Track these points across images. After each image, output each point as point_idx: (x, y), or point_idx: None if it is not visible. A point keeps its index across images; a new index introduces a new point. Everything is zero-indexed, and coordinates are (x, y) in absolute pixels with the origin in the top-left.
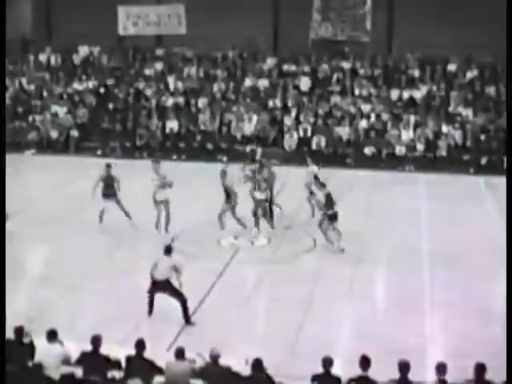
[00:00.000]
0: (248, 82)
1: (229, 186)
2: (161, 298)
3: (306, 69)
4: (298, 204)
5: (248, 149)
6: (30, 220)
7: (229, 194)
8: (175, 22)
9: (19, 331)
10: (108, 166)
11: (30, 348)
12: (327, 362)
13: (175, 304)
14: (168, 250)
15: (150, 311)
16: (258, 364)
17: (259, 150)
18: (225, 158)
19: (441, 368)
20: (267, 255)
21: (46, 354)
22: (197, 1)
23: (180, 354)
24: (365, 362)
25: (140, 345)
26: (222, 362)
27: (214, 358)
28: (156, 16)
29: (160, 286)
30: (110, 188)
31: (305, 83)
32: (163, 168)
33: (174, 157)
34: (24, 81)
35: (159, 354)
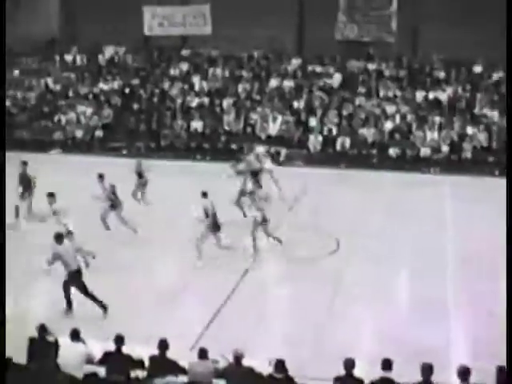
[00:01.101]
0: (273, 83)
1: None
2: (182, 298)
3: (331, 70)
4: (321, 204)
5: (273, 149)
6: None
7: None
8: (200, 23)
9: (42, 329)
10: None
11: (54, 347)
12: (349, 364)
13: (198, 304)
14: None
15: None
16: (280, 365)
17: (283, 151)
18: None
19: (463, 372)
20: (290, 255)
21: (69, 353)
22: (222, 1)
23: (203, 354)
24: (387, 363)
25: (163, 344)
26: (245, 362)
27: (237, 358)
28: (181, 16)
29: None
30: None
31: (336, 80)
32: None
33: (199, 157)
34: (50, 81)
35: (182, 353)
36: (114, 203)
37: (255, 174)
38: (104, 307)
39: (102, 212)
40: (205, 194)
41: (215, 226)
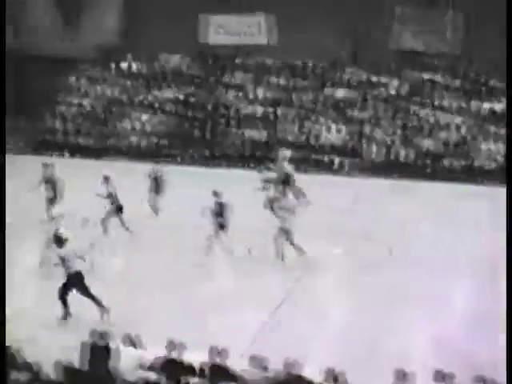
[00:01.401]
0: (328, 92)
1: None
2: (234, 307)
3: (386, 79)
4: (373, 214)
5: (326, 158)
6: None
7: None
8: (256, 31)
9: (95, 334)
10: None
11: (106, 351)
12: (400, 375)
13: (249, 312)
14: None
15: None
16: (331, 374)
17: (337, 160)
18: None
19: None
20: (342, 264)
21: (122, 357)
22: (278, 10)
23: (256, 362)
24: (439, 375)
25: (215, 351)
26: (297, 371)
27: (289, 366)
28: (237, 25)
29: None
30: None
31: (391, 89)
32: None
33: (252, 165)
34: (106, 88)
35: (234, 361)
36: (117, 206)
37: (285, 181)
38: (104, 309)
39: (104, 215)
40: (215, 194)
41: (220, 226)
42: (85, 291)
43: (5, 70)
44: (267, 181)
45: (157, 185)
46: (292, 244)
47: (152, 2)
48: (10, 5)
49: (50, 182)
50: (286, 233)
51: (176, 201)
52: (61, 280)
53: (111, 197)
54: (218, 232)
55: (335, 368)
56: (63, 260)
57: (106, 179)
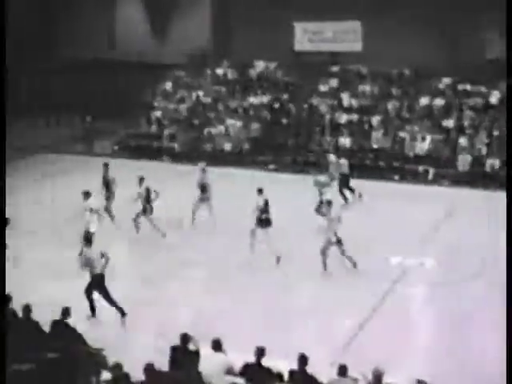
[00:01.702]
0: (423, 101)
1: None
2: (322, 315)
3: (482, 89)
4: (467, 226)
5: (420, 168)
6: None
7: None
8: (351, 39)
9: (185, 339)
10: None
11: (196, 356)
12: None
13: (337, 321)
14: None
15: None
16: None
17: (431, 170)
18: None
19: None
20: (435, 277)
21: (210, 362)
22: (373, 18)
23: (342, 370)
24: None
25: (302, 359)
26: (386, 381)
27: (378, 377)
28: (332, 32)
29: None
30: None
31: (488, 99)
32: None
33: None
34: (201, 94)
35: (322, 369)
36: (145, 208)
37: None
38: (123, 313)
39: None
40: (260, 191)
41: (265, 222)
42: (105, 294)
43: (5, 69)
44: (320, 184)
45: (203, 191)
46: (343, 255)
47: (246, 10)
48: (102, 17)
49: (105, 182)
50: (336, 244)
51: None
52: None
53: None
54: (261, 228)
55: (424, 379)
56: (88, 261)
57: (142, 180)
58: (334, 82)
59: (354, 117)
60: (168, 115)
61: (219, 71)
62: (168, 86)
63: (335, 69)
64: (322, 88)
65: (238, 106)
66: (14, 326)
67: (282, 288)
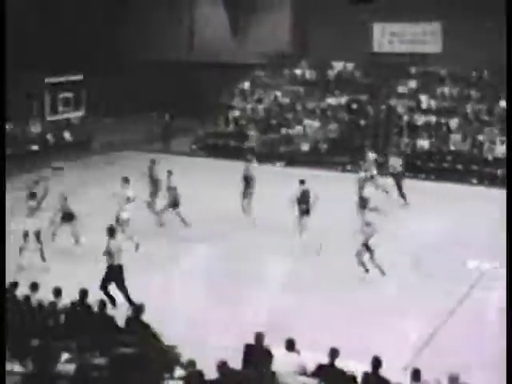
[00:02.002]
0: (502, 104)
1: None
2: (396, 318)
3: None
4: None
5: (499, 172)
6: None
7: None
8: (431, 40)
9: (260, 338)
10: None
11: (269, 355)
12: None
13: (412, 324)
14: None
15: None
16: None
17: None
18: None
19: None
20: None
21: (283, 362)
22: (454, 20)
23: (416, 375)
24: None
25: (376, 362)
26: None
27: (453, 382)
28: (411, 34)
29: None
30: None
31: None
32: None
33: (423, 176)
34: (279, 94)
35: (395, 373)
36: (176, 202)
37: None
38: (135, 306)
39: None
40: (302, 182)
41: (305, 211)
42: (121, 285)
43: (5, 69)
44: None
45: (247, 184)
46: (373, 262)
47: (325, 11)
48: (182, 18)
49: (151, 178)
50: (367, 250)
51: None
52: None
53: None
54: (301, 217)
55: None
56: (109, 252)
57: (170, 173)
58: (412, 84)
59: (433, 119)
60: (246, 115)
61: (297, 71)
62: (246, 85)
63: (414, 70)
64: (401, 89)
65: (316, 107)
66: (89, 321)
67: (357, 288)
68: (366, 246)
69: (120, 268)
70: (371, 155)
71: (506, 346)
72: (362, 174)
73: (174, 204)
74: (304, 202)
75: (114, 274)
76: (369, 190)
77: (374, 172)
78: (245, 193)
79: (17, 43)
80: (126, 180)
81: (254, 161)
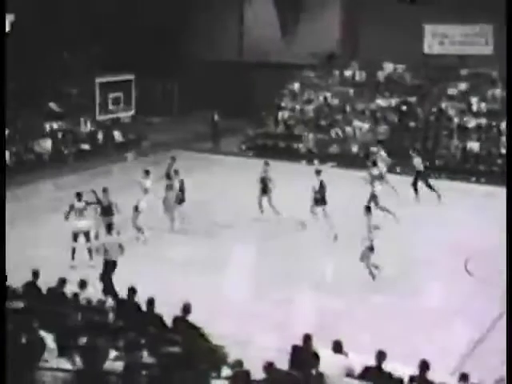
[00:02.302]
0: None
1: None
2: (443, 322)
3: None
4: None
5: None
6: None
7: None
8: (482, 42)
9: (307, 339)
10: None
11: (316, 356)
12: None
13: (460, 328)
14: None
15: None
16: None
17: None
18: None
19: None
20: None
21: (330, 364)
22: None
23: (464, 379)
24: None
25: (423, 365)
26: None
27: None
28: (462, 35)
29: None
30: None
31: None
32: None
33: (473, 179)
34: (328, 95)
35: (443, 377)
36: (182, 198)
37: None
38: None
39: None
40: (318, 172)
41: (321, 201)
42: (109, 281)
43: (5, 68)
44: (371, 177)
45: (264, 185)
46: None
47: (375, 12)
48: (231, 18)
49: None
50: (370, 250)
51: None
52: None
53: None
54: (314, 207)
55: None
56: (105, 249)
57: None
58: (463, 86)
59: (483, 121)
60: (295, 116)
61: (347, 73)
62: (296, 86)
63: (464, 72)
64: (451, 91)
65: (366, 108)
66: (137, 319)
67: (404, 292)
68: (371, 248)
69: (114, 264)
70: (383, 153)
71: (506, 345)
72: (375, 171)
73: (181, 200)
74: (320, 192)
75: (108, 269)
76: (379, 188)
77: (384, 169)
78: (262, 193)
79: (70, 43)
80: (146, 172)
81: (314, 162)
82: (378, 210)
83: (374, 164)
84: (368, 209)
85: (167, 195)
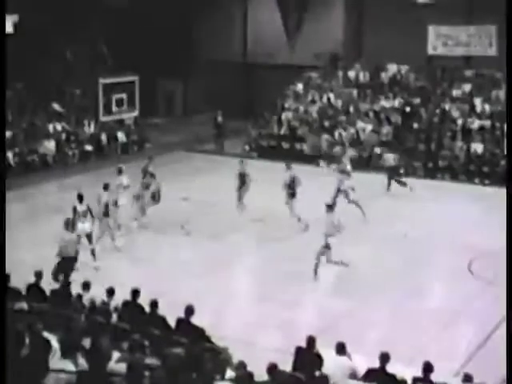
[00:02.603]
0: None
1: None
2: (447, 323)
3: None
4: None
5: None
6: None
7: None
8: (486, 43)
9: (311, 341)
10: None
11: (319, 358)
12: None
13: (464, 329)
14: None
15: None
16: None
17: None
18: None
19: None
20: None
21: (333, 366)
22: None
23: (467, 380)
24: None
25: (427, 368)
26: None
27: None
28: (466, 36)
29: None
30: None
31: None
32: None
33: (477, 181)
34: (332, 96)
35: (445, 378)
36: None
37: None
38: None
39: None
40: (288, 167)
41: (291, 195)
42: (67, 277)
43: (5, 68)
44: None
45: (242, 181)
46: (328, 261)
47: (379, 13)
48: (235, 19)
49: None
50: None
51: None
52: None
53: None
54: (289, 200)
55: None
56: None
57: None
58: (467, 87)
59: (487, 123)
60: (298, 116)
61: (351, 74)
62: (299, 87)
63: (469, 73)
64: (455, 93)
65: (369, 110)
66: (140, 321)
67: (408, 291)
68: (327, 247)
69: (74, 260)
70: (348, 151)
71: (506, 346)
72: (342, 167)
73: (154, 198)
74: (291, 187)
75: (65, 265)
76: (347, 183)
77: (349, 167)
78: (240, 189)
79: (74, 44)
80: (120, 170)
81: (322, 162)
82: (350, 204)
83: (340, 161)
84: (330, 207)
85: (141, 193)
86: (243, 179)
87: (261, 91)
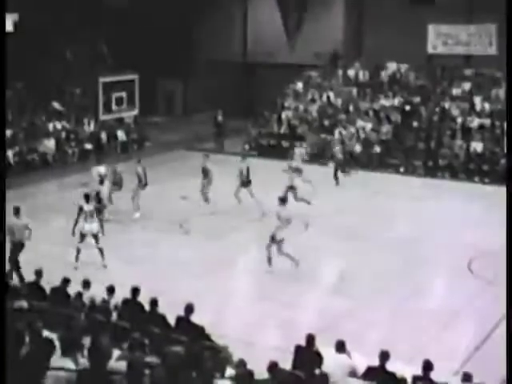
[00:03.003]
0: None
1: None
2: (448, 322)
3: None
4: None
5: None
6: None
7: None
8: (486, 42)
9: (311, 339)
10: None
11: (318, 357)
12: None
13: (464, 329)
14: None
15: None
16: None
17: None
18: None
19: None
20: None
21: (333, 364)
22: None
23: (467, 379)
24: None
25: (427, 366)
26: None
27: None
28: (466, 35)
29: None
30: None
31: None
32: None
33: (476, 179)
34: (332, 95)
35: (445, 377)
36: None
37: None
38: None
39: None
40: (243, 158)
41: (245, 183)
42: (16, 261)
43: (5, 68)
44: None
45: (204, 174)
46: (281, 253)
47: (379, 12)
48: (235, 18)
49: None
50: (274, 241)
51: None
52: None
53: None
54: (239, 188)
55: None
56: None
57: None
58: (466, 86)
59: (487, 121)
60: (298, 115)
61: (351, 72)
62: (299, 86)
63: (468, 72)
64: (455, 91)
65: (369, 108)
66: (140, 319)
67: (408, 291)
68: (273, 239)
69: (21, 245)
70: (298, 150)
71: (506, 346)
72: (293, 164)
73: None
74: (244, 176)
75: (15, 250)
76: (297, 181)
77: (301, 165)
78: (203, 183)
79: (74, 43)
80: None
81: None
82: (296, 201)
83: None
84: (282, 200)
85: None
86: (206, 173)
87: (261, 90)
